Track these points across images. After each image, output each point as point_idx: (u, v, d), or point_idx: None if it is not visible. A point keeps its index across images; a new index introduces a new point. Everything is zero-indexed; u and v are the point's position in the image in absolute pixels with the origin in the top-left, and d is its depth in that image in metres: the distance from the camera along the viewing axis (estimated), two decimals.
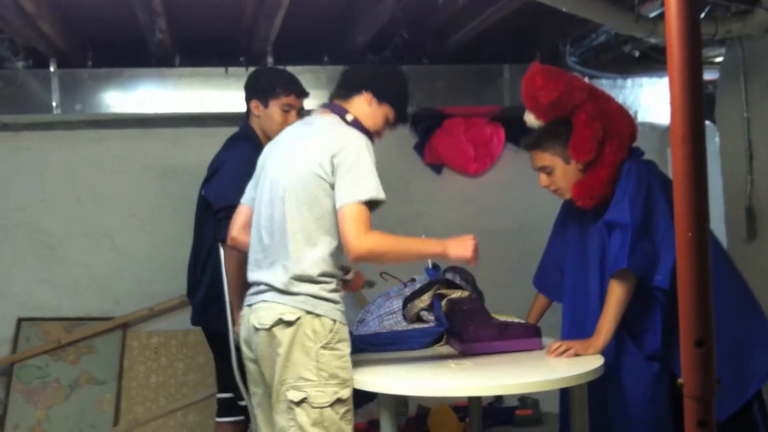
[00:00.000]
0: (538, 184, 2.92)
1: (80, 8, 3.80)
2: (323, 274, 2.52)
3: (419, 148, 5.20)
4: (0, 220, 4.89)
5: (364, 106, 2.71)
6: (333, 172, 2.50)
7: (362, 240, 2.42)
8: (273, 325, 2.51)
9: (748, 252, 4.00)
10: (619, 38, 4.16)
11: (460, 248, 2.61)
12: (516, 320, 2.93)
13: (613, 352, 2.69)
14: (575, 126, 2.72)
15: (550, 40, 4.54)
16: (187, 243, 3.63)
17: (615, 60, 4.64)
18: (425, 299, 2.90)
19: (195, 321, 3.67)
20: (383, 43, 4.39)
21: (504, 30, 4.19)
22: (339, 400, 2.48)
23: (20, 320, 4.84)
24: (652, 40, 3.73)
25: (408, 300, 2.93)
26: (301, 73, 3.47)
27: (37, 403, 4.68)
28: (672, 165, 1.40)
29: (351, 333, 2.86)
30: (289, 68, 3.65)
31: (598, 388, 2.63)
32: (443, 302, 2.90)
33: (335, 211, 2.50)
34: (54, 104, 4.36)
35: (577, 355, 2.59)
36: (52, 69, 4.34)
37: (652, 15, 3.59)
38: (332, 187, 2.51)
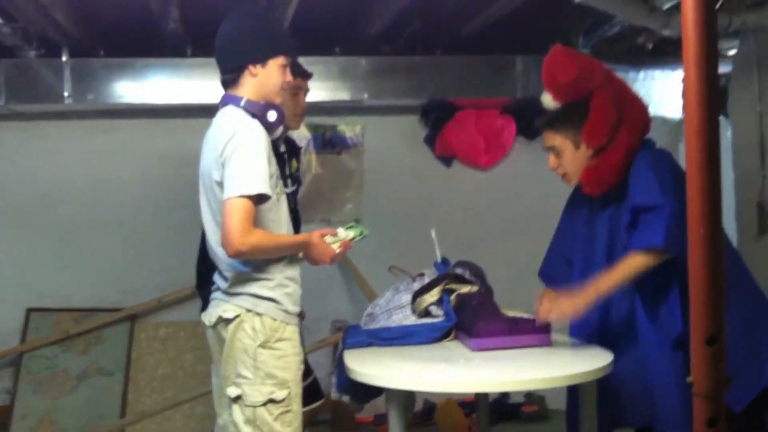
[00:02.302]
0: (549, 178, 2.90)
1: None
2: (259, 273, 2.53)
3: (430, 141, 5.18)
4: (15, 209, 4.91)
5: (252, 80, 2.59)
6: (223, 174, 2.46)
7: (246, 237, 2.38)
8: (216, 323, 2.59)
9: (759, 248, 3.97)
10: (632, 30, 4.12)
11: (317, 254, 2.65)
12: (525, 315, 2.91)
13: (639, 346, 2.66)
14: (591, 109, 2.70)
15: (564, 31, 4.50)
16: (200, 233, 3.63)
17: (628, 52, 4.61)
18: (434, 294, 2.88)
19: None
20: (396, 33, 4.37)
21: (517, 20, 4.15)
22: (273, 401, 2.49)
23: (29, 310, 4.85)
24: (666, 33, 3.69)
25: (417, 294, 2.91)
26: (312, 64, 3.44)
27: (45, 393, 4.70)
28: (686, 159, 1.39)
29: (359, 327, 2.86)
30: (300, 59, 3.63)
31: (623, 382, 2.61)
32: (452, 297, 2.88)
33: None
34: (66, 94, 4.37)
35: (565, 312, 2.59)
36: (64, 58, 4.35)
37: (666, 7, 3.55)
38: None
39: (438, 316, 2.85)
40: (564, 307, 2.61)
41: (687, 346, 2.61)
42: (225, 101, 2.63)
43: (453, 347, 2.74)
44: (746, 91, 4.07)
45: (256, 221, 2.44)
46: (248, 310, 2.52)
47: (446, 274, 3.00)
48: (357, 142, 5.18)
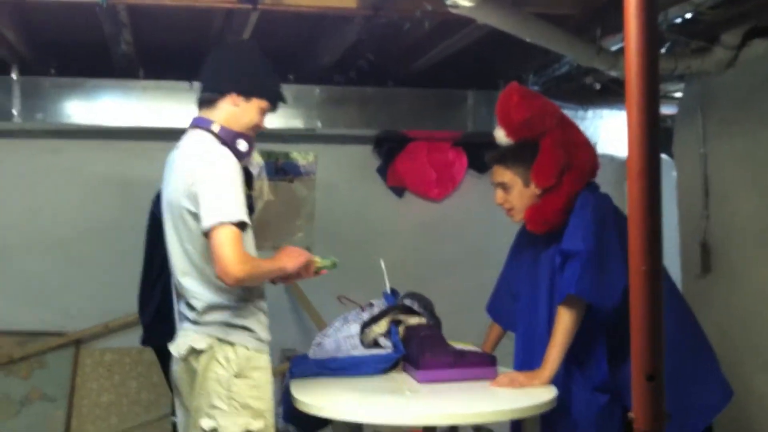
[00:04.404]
0: (498, 211, 2.93)
1: (45, 16, 3.75)
2: (231, 301, 2.49)
3: (382, 171, 5.21)
4: None
5: (231, 108, 2.56)
6: (195, 202, 2.41)
7: (244, 264, 2.34)
8: (187, 354, 2.52)
9: (702, 286, 4.05)
10: (580, 70, 4.21)
11: (293, 260, 2.57)
12: (472, 348, 2.93)
13: (561, 383, 2.69)
14: (541, 150, 2.75)
15: (514, 69, 4.58)
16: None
17: (576, 91, 4.69)
18: (383, 325, 2.89)
19: (145, 340, 3.61)
20: (349, 64, 4.40)
21: (469, 56, 4.22)
22: None
23: None
24: (613, 73, 3.78)
25: (366, 325, 2.92)
26: None
27: None
28: (627, 199, 1.42)
29: (306, 356, 2.85)
30: None
31: (547, 419, 2.64)
32: (400, 328, 2.89)
33: None
34: (15, 112, 4.30)
35: (522, 387, 2.60)
36: (14, 77, 4.28)
37: (613, 48, 3.65)
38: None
39: (386, 347, 2.86)
40: (522, 382, 2.63)
41: (612, 390, 2.66)
42: (195, 123, 2.59)
43: (400, 379, 2.75)
44: (690, 134, 4.16)
45: None
46: (220, 340, 2.47)
47: (395, 306, 3.01)
48: (309, 170, 5.19)
